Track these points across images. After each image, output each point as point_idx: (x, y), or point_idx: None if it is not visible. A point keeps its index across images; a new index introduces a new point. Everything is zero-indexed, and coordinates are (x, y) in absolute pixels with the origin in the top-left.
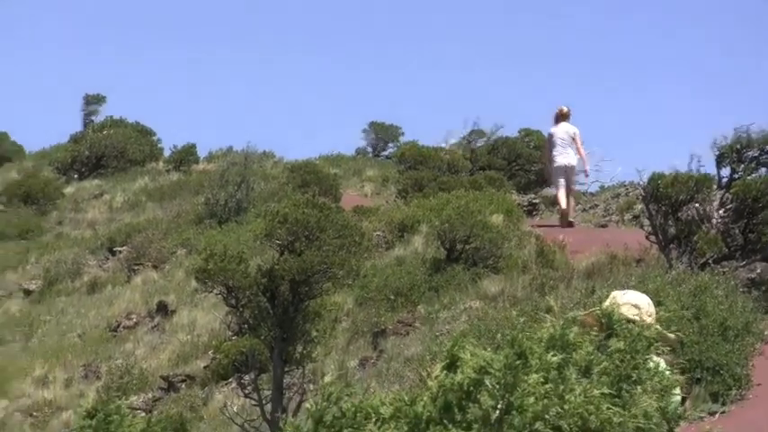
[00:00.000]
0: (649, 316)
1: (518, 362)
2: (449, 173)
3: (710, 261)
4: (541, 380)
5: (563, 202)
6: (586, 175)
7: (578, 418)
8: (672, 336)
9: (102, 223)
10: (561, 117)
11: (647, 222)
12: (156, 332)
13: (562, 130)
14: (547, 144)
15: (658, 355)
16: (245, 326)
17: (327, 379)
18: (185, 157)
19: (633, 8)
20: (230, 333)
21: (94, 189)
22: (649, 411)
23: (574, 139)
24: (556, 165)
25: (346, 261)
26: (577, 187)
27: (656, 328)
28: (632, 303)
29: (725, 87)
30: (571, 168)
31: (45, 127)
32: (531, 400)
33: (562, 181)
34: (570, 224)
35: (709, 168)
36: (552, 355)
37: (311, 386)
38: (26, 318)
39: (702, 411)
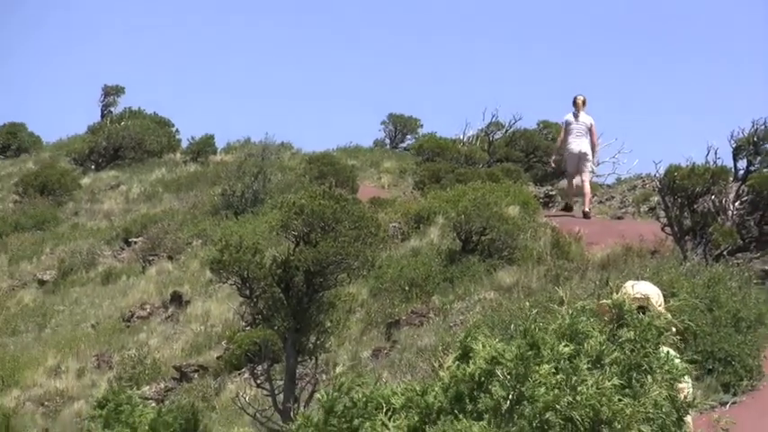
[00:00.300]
0: (659, 306)
1: (530, 352)
2: (466, 165)
3: (725, 253)
4: (553, 370)
5: (573, 186)
6: (596, 164)
7: (590, 410)
8: (679, 325)
9: (118, 214)
10: (577, 106)
11: (662, 214)
12: (169, 323)
13: (579, 119)
14: (563, 131)
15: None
16: (259, 316)
17: (339, 369)
18: (203, 148)
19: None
20: (244, 324)
21: (111, 180)
22: (659, 401)
23: (590, 129)
24: (570, 151)
25: (361, 252)
26: (588, 176)
27: (666, 317)
28: (643, 293)
29: (743, 79)
30: (584, 155)
31: (63, 118)
32: (542, 390)
33: (575, 166)
34: (587, 215)
35: (726, 160)
36: (564, 346)
37: (324, 376)
38: (40, 308)
39: (714, 401)
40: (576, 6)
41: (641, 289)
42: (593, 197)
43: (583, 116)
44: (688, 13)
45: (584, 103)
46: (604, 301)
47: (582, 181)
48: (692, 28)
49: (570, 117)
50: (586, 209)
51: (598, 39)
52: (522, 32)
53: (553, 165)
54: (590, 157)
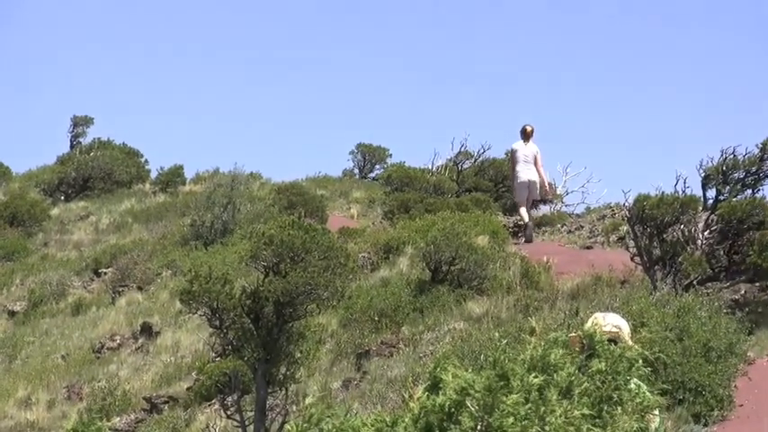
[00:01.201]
0: (629, 338)
1: (499, 383)
2: (435, 194)
3: (695, 282)
4: (522, 400)
5: (526, 217)
6: (545, 193)
7: None
8: (649, 356)
9: (87, 245)
10: (526, 135)
11: (632, 244)
12: (139, 353)
13: (526, 148)
14: (511, 160)
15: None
16: (229, 347)
17: (309, 400)
18: (172, 178)
19: (620, 31)
20: (214, 354)
21: (81, 210)
22: None
23: (536, 158)
24: (519, 180)
25: (331, 282)
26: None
27: (637, 350)
28: (614, 324)
29: (712, 109)
30: (534, 184)
31: (32, 148)
32: (511, 420)
33: (525, 196)
34: (528, 236)
35: (695, 190)
36: (534, 377)
37: (294, 407)
38: (10, 339)
39: None
40: (545, 35)
41: (612, 320)
42: (561, 227)
43: (530, 145)
44: (657, 42)
45: (531, 132)
46: (575, 333)
47: (529, 209)
48: (661, 57)
49: (518, 146)
50: (528, 221)
51: (566, 68)
52: (490, 62)
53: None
54: (538, 186)
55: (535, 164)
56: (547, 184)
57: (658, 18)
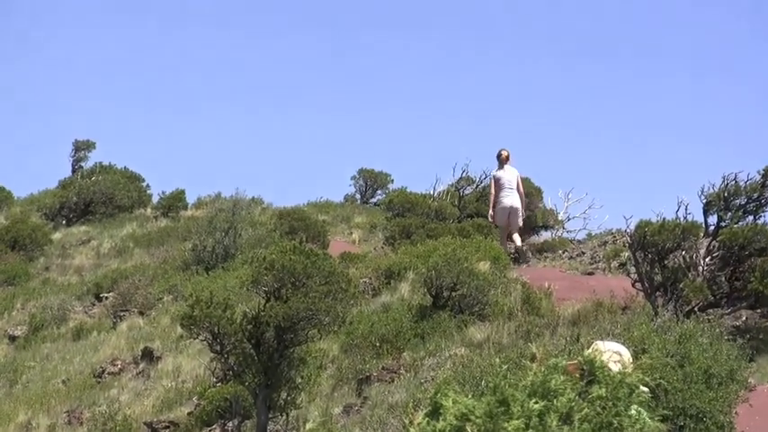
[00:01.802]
0: (631, 364)
1: (500, 409)
2: (437, 220)
3: (696, 309)
4: (522, 426)
5: (503, 243)
6: (524, 216)
7: None
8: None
9: (89, 269)
10: (503, 160)
11: (633, 270)
12: (140, 378)
13: (508, 174)
14: (494, 186)
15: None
16: (230, 372)
17: (310, 426)
18: (174, 203)
19: (621, 53)
20: (215, 379)
21: (82, 235)
22: None
23: (518, 182)
24: (502, 206)
25: (332, 308)
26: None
27: (638, 375)
28: (614, 351)
29: (713, 135)
30: (515, 210)
31: (34, 173)
32: None
33: (505, 221)
34: (523, 256)
35: (697, 216)
36: (534, 403)
37: None
38: (11, 364)
39: None
40: (542, 59)
41: (613, 347)
42: (562, 253)
43: (509, 170)
44: (660, 66)
45: (507, 157)
46: (575, 360)
47: (512, 233)
48: (664, 83)
49: (498, 173)
50: (519, 244)
51: (568, 93)
52: (490, 86)
53: (490, 219)
54: (521, 212)
55: (517, 188)
56: (524, 207)
57: (659, 40)
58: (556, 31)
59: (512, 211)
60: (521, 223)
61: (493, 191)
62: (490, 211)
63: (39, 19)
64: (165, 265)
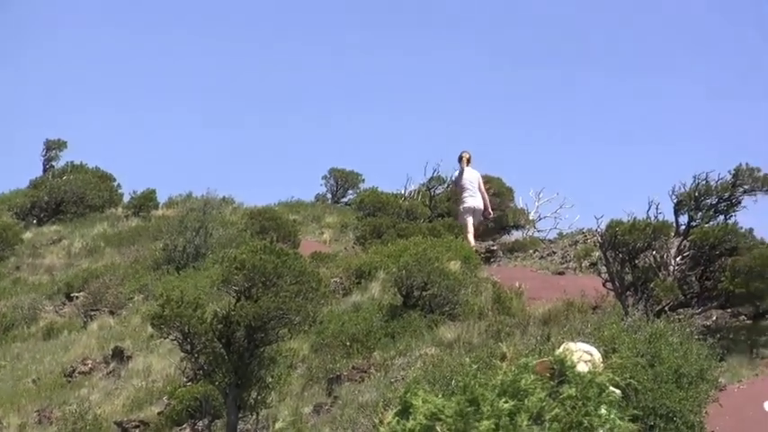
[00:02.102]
0: (601, 364)
1: (470, 408)
2: (407, 219)
3: (666, 308)
4: (493, 426)
5: (472, 242)
6: (487, 216)
7: None
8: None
9: (59, 269)
10: (464, 162)
11: (604, 269)
12: (111, 378)
13: (470, 175)
14: (456, 188)
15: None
16: (200, 372)
17: (280, 425)
18: (145, 202)
19: (591, 52)
20: (185, 379)
21: (53, 234)
22: None
23: (479, 183)
24: (465, 206)
25: (303, 307)
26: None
27: (608, 375)
28: (584, 351)
29: (685, 134)
30: (478, 210)
31: (4, 172)
32: None
33: (470, 221)
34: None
35: (668, 216)
36: (504, 402)
37: None
38: None
39: None
40: (513, 59)
41: (583, 347)
42: (533, 252)
43: (470, 172)
44: (630, 66)
45: (469, 159)
46: (546, 358)
47: (472, 232)
48: (634, 82)
49: (461, 174)
50: (473, 245)
51: (539, 93)
52: (461, 86)
53: (456, 218)
54: (482, 211)
55: (479, 189)
56: (489, 206)
57: (628, 39)
58: (524, 31)
59: (474, 210)
60: (482, 222)
61: (457, 192)
62: (454, 210)
63: (7, 18)
64: (136, 264)
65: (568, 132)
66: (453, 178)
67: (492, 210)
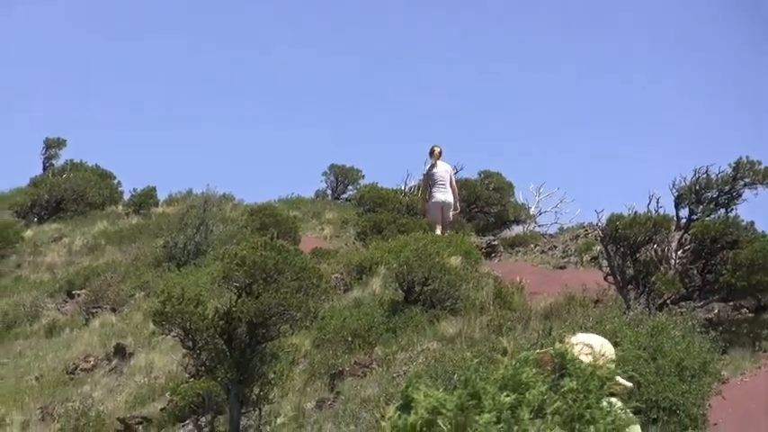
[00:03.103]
0: (603, 356)
1: (471, 402)
2: (408, 215)
3: (668, 302)
4: (494, 420)
5: (437, 232)
6: (456, 210)
7: None
8: (628, 383)
9: (60, 266)
10: (436, 156)
11: (605, 263)
12: (113, 375)
13: (441, 169)
14: (426, 182)
15: (614, 395)
16: (202, 368)
17: (282, 420)
18: (145, 200)
19: (592, 48)
20: (187, 375)
21: (54, 232)
22: None
23: (450, 178)
24: (434, 200)
25: (304, 303)
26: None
27: (610, 368)
28: (586, 343)
29: (685, 128)
30: (448, 204)
31: (4, 171)
32: None
33: (439, 216)
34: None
35: (668, 209)
36: (505, 396)
37: (267, 428)
38: None
39: None
40: (513, 55)
41: (585, 339)
42: (534, 247)
43: (442, 165)
44: (632, 62)
45: (440, 153)
46: (546, 349)
47: (443, 227)
48: (636, 77)
49: (432, 168)
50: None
51: (539, 87)
52: (461, 82)
53: (423, 215)
54: (452, 206)
55: (450, 184)
56: (458, 202)
57: (627, 36)
58: (524, 26)
59: (444, 205)
60: (452, 217)
61: (424, 186)
62: (425, 205)
63: (7, 15)
64: (137, 261)
65: (569, 127)
66: (424, 172)
67: (460, 206)
